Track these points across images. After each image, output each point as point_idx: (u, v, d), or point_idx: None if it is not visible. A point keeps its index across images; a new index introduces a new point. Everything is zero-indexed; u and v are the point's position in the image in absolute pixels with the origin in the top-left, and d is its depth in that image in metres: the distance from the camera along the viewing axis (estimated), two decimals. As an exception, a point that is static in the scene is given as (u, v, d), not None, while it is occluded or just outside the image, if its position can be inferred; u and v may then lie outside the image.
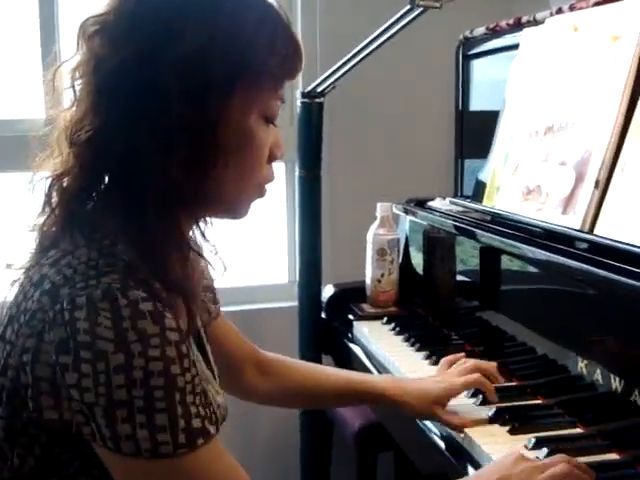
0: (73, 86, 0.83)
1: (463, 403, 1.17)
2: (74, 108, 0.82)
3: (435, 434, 1.16)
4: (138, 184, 0.78)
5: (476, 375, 1.17)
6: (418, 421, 1.20)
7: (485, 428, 1.10)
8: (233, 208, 0.88)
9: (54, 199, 0.84)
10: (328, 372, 1.25)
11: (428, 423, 1.18)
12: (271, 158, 0.88)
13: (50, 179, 0.84)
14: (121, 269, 0.76)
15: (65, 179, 0.83)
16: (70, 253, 0.78)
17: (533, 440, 1.03)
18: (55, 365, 0.73)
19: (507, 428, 1.08)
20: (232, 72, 0.79)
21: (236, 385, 1.18)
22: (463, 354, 1.26)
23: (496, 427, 1.10)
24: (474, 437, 1.08)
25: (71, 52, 0.83)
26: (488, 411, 1.13)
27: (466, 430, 1.10)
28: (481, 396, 1.17)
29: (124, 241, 0.78)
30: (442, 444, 1.14)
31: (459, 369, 1.19)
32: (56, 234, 0.83)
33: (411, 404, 1.14)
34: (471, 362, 1.20)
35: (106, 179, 0.83)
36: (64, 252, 0.79)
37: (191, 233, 0.85)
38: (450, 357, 1.25)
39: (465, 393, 1.19)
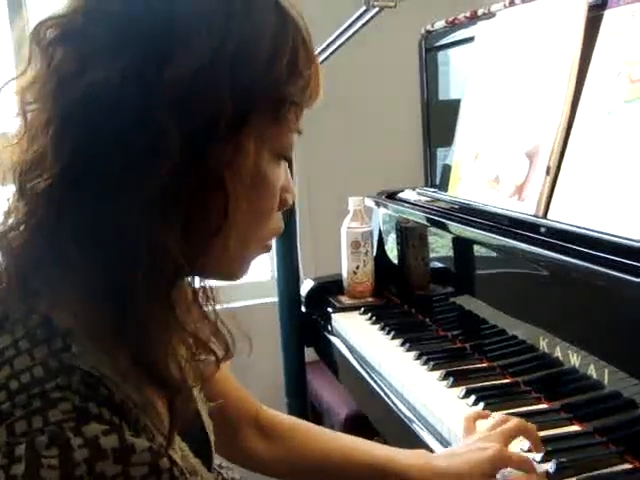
0: (24, 112, 0.62)
1: None
2: (25, 142, 0.62)
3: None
4: (120, 257, 0.59)
5: (525, 457, 0.93)
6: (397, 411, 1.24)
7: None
8: (233, 269, 0.70)
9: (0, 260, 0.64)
10: (346, 443, 1.02)
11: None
12: (281, 205, 0.70)
13: None
14: (76, 388, 0.57)
15: (13, 237, 0.63)
16: (9, 363, 0.59)
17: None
18: None
19: (479, 407, 1.14)
20: (246, 99, 0.61)
21: (231, 448, 0.99)
22: (488, 413, 1.06)
23: (466, 407, 1.15)
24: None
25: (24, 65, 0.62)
26: (540, 460, 0.96)
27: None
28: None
29: (83, 332, 0.60)
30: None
31: (501, 431, 0.96)
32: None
33: None
34: (514, 421, 0.98)
35: (63, 244, 0.61)
36: (2, 359, 0.59)
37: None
38: (473, 414, 1.04)
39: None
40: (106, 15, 0.59)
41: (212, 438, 0.82)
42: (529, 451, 0.98)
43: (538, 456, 0.96)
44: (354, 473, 0.98)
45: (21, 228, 0.62)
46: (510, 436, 0.96)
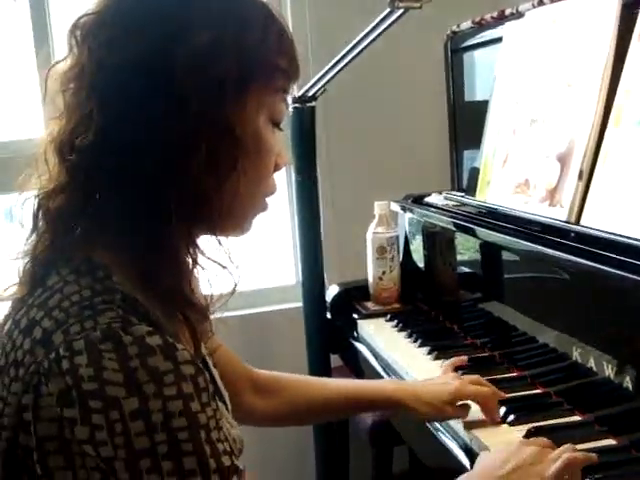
0: (64, 93, 0.76)
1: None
2: (64, 117, 0.75)
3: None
4: (152, 195, 0.72)
5: (490, 390, 1.13)
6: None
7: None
8: (241, 222, 0.82)
9: (41, 223, 0.77)
10: (330, 383, 1.21)
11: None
12: (276, 167, 0.83)
13: (37, 199, 0.76)
14: (119, 304, 0.69)
15: (54, 198, 0.76)
16: (59, 291, 0.71)
17: (532, 430, 1.05)
18: (60, 420, 0.65)
19: (510, 419, 1.10)
20: (247, 67, 0.75)
21: (234, 407, 1.05)
22: (465, 358, 1.28)
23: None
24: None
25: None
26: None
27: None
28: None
29: (120, 268, 0.73)
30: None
31: (470, 378, 1.16)
32: (43, 268, 0.75)
33: (421, 410, 1.12)
34: (476, 377, 1.17)
35: (101, 195, 0.74)
36: (52, 290, 0.72)
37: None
38: (455, 360, 1.25)
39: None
40: (132, 6, 0.75)
41: (228, 402, 0.91)
42: None
43: None
44: (338, 404, 1.17)
45: (60, 192, 0.75)
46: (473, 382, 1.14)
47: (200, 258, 0.77)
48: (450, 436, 1.14)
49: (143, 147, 0.72)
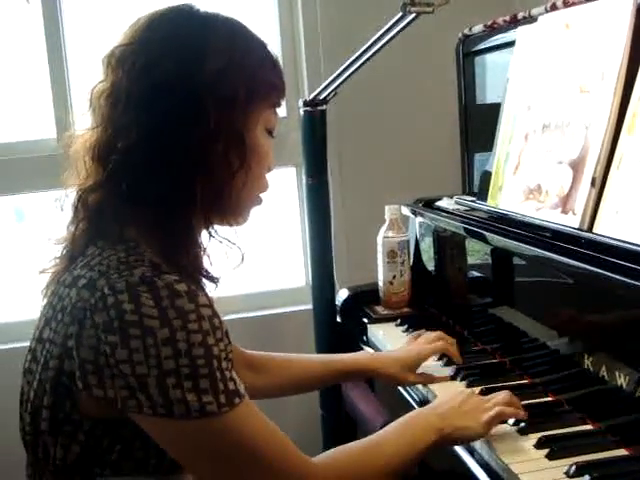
0: (99, 108, 0.93)
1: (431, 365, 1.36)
2: (101, 127, 0.93)
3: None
4: (180, 189, 0.90)
5: (441, 343, 1.34)
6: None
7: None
8: (240, 214, 1.00)
9: (80, 212, 0.94)
10: (310, 358, 1.40)
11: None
12: (268, 169, 1.01)
13: (78, 194, 0.94)
14: (148, 263, 0.87)
15: (92, 193, 0.93)
16: (98, 254, 0.90)
17: (542, 439, 1.04)
18: (101, 345, 0.83)
19: (515, 428, 1.09)
20: (252, 86, 0.94)
21: None
22: (424, 330, 1.44)
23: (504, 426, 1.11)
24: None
25: (92, 78, 0.95)
26: (450, 371, 1.33)
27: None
28: (446, 359, 1.37)
29: (147, 245, 0.90)
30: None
31: (425, 338, 1.36)
32: (82, 244, 0.93)
33: (386, 374, 1.31)
34: (436, 333, 1.37)
35: (134, 190, 0.90)
36: (92, 255, 0.90)
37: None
38: (415, 333, 1.43)
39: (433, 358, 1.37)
40: (159, 38, 0.92)
41: None
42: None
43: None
44: (319, 376, 1.34)
45: (98, 187, 0.92)
46: (431, 341, 1.35)
47: (215, 237, 0.96)
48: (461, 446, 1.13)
49: (172, 151, 0.89)
